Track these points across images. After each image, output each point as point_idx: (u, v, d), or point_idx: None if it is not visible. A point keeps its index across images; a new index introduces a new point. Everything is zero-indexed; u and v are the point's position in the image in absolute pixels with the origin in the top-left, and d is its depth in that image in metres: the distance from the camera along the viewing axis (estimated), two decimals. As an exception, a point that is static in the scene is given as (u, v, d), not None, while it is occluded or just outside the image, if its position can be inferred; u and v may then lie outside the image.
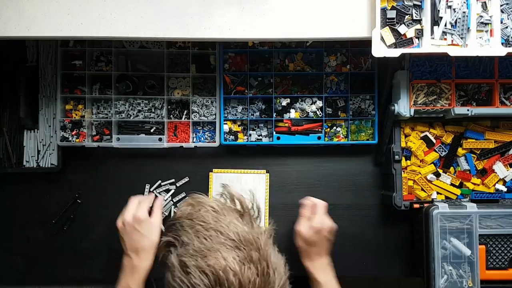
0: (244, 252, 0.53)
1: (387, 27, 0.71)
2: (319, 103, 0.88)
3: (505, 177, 0.84)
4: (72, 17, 0.70)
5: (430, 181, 0.85)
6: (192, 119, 0.89)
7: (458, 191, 0.84)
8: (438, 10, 0.70)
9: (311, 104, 0.89)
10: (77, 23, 0.70)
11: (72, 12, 0.70)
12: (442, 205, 0.80)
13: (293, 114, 0.88)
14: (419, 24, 0.71)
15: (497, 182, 0.85)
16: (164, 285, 0.64)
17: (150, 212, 0.79)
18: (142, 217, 0.76)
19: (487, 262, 0.80)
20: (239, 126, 0.90)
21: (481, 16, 0.70)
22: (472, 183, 0.85)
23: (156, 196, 0.86)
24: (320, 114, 0.88)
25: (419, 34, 0.71)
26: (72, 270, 0.91)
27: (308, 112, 0.88)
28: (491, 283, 0.79)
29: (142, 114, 0.89)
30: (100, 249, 0.91)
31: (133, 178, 0.91)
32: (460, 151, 0.85)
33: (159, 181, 0.90)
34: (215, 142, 0.89)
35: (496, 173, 0.84)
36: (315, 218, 0.79)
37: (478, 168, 0.85)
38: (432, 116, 0.84)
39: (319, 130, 0.89)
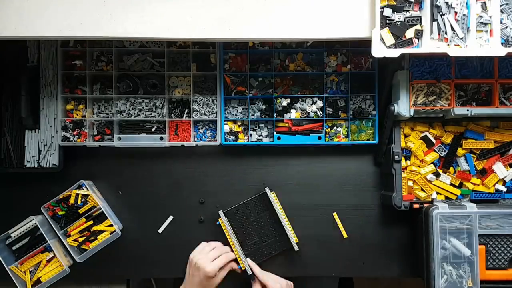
0: None
1: (387, 27, 0.71)
2: (320, 103, 0.88)
3: (505, 177, 0.84)
4: (72, 17, 0.70)
5: (429, 181, 0.85)
6: (193, 118, 0.89)
7: (458, 191, 0.84)
8: (439, 7, 0.70)
9: (312, 104, 0.89)
10: (77, 23, 0.70)
11: (72, 12, 0.70)
12: (442, 205, 0.80)
13: (293, 114, 0.88)
14: (419, 25, 0.71)
15: (496, 182, 0.85)
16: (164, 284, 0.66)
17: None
18: (211, 275, 0.82)
19: (487, 262, 0.80)
20: (239, 126, 0.90)
21: (481, 16, 0.70)
22: (472, 183, 0.85)
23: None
24: (320, 114, 0.89)
25: (419, 34, 0.71)
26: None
27: (309, 112, 0.89)
28: (490, 283, 0.79)
29: (143, 114, 0.89)
30: (103, 248, 0.91)
31: (135, 177, 0.92)
32: (460, 151, 0.85)
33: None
34: (216, 140, 0.90)
35: (496, 173, 0.84)
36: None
37: (478, 168, 0.85)
38: (432, 116, 0.84)
39: (320, 130, 0.89)
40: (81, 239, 0.87)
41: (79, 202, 0.87)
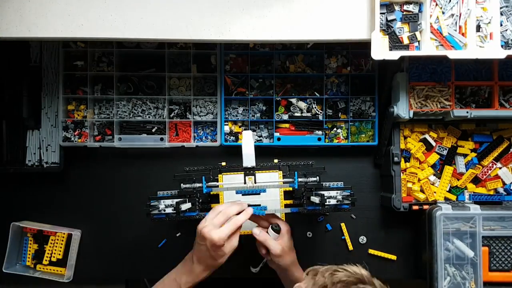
0: None
1: (383, 30, 0.72)
2: (320, 105, 0.88)
3: (511, 183, 0.84)
4: (73, 18, 0.71)
5: (428, 183, 0.84)
6: (193, 118, 0.89)
7: (454, 197, 0.84)
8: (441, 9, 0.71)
9: (312, 106, 0.89)
10: (78, 24, 0.71)
11: (72, 13, 0.71)
12: (446, 206, 0.80)
13: (293, 115, 0.89)
14: (418, 32, 0.72)
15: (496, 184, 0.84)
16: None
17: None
18: (218, 244, 0.69)
19: (490, 264, 0.79)
20: (240, 127, 0.90)
21: (481, 19, 0.71)
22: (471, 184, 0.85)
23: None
24: (320, 115, 0.89)
25: (413, 39, 0.71)
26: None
27: (309, 114, 0.89)
28: (494, 285, 0.79)
29: (143, 114, 0.90)
30: (102, 248, 0.91)
31: (135, 177, 0.92)
32: (458, 152, 0.85)
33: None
34: (216, 141, 0.90)
35: (501, 178, 0.84)
36: (271, 248, 0.75)
37: (476, 172, 0.85)
38: (432, 118, 0.84)
39: (320, 131, 0.89)
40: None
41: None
